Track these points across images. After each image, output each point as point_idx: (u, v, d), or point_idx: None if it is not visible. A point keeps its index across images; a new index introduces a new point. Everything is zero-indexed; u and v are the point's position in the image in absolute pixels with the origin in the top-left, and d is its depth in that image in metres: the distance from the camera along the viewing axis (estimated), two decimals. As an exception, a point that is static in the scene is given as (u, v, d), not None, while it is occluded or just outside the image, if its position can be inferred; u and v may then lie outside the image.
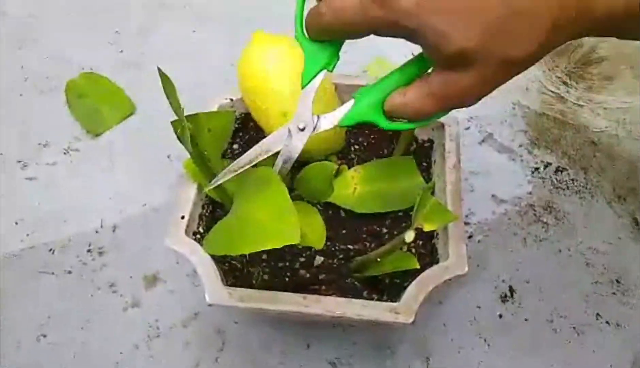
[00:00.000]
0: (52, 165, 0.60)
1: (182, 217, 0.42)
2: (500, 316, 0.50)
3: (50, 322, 0.50)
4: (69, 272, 0.53)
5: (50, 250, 0.54)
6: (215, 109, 0.49)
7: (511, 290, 0.51)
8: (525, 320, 0.50)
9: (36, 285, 0.52)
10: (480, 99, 0.32)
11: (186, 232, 0.42)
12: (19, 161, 0.60)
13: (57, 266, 0.53)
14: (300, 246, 0.45)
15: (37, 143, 0.62)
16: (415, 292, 0.38)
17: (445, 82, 0.31)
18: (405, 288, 0.40)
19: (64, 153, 0.61)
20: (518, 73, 0.31)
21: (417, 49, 0.32)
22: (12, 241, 0.55)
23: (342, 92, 0.50)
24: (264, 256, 0.44)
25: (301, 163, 0.49)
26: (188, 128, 0.35)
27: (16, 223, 0.56)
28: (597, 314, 0.50)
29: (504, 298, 0.51)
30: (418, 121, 0.34)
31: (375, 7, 0.30)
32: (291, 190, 0.47)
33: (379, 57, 0.68)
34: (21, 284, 0.52)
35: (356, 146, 0.51)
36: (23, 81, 0.67)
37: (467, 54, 0.29)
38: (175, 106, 0.34)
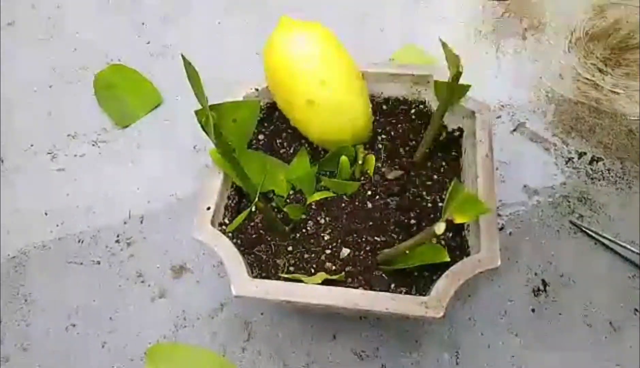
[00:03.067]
0: (80, 156, 0.61)
1: (208, 208, 0.42)
2: (533, 310, 0.49)
3: (79, 312, 0.51)
4: (98, 263, 0.53)
5: (79, 240, 0.55)
6: (240, 98, 0.48)
7: (544, 283, 0.50)
8: (559, 314, 0.48)
9: (65, 275, 0.53)
10: None
11: (212, 223, 0.42)
12: (49, 153, 0.61)
13: (86, 256, 0.54)
14: (326, 238, 0.44)
15: (66, 135, 0.62)
16: (445, 286, 0.37)
17: None
18: (434, 281, 0.39)
19: (93, 145, 0.61)
20: None
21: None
22: (41, 232, 0.55)
23: (370, 81, 0.49)
24: (290, 248, 0.44)
25: (327, 152, 0.48)
26: (212, 118, 0.35)
27: (45, 214, 0.57)
28: (635, 309, 0.48)
29: (536, 292, 0.49)
30: None
31: None
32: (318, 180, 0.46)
33: (407, 44, 0.66)
34: (50, 274, 0.53)
35: (383, 136, 0.50)
36: (52, 73, 0.68)
37: None
38: (199, 95, 0.34)
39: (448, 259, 0.38)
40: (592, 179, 0.56)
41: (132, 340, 0.49)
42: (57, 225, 0.56)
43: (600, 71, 0.63)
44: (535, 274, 0.50)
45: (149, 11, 0.73)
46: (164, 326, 0.50)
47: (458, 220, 0.35)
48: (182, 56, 0.33)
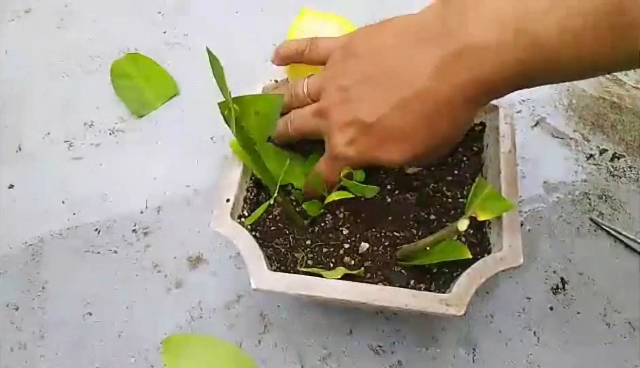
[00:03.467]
0: (97, 145, 0.61)
1: (227, 200, 0.42)
2: (551, 308, 0.48)
3: (96, 301, 0.51)
4: (115, 252, 0.53)
5: (96, 229, 0.55)
6: (259, 90, 0.48)
7: (563, 281, 0.49)
8: (578, 313, 0.48)
9: (82, 264, 0.53)
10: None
11: (231, 215, 0.41)
12: (65, 141, 0.61)
13: (103, 246, 0.54)
14: (345, 232, 0.44)
15: (82, 124, 0.62)
16: (467, 283, 0.36)
17: None
18: (454, 278, 0.39)
19: (109, 134, 0.61)
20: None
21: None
22: (58, 221, 0.56)
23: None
24: (308, 242, 0.44)
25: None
26: (234, 110, 0.34)
27: (62, 203, 0.57)
28: (655, 309, 0.48)
29: (555, 290, 0.49)
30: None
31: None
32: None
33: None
34: (67, 263, 0.53)
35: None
36: (68, 62, 0.68)
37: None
38: (223, 88, 0.34)
39: (470, 256, 0.37)
40: (613, 176, 0.55)
41: (148, 330, 0.49)
42: (74, 214, 0.56)
43: (622, 66, 0.62)
44: (554, 272, 0.50)
45: (166, 0, 0.73)
46: (180, 316, 0.50)
47: (481, 217, 0.34)
48: (207, 48, 0.32)
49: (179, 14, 0.72)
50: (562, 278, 0.49)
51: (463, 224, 0.34)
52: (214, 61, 0.33)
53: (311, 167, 0.46)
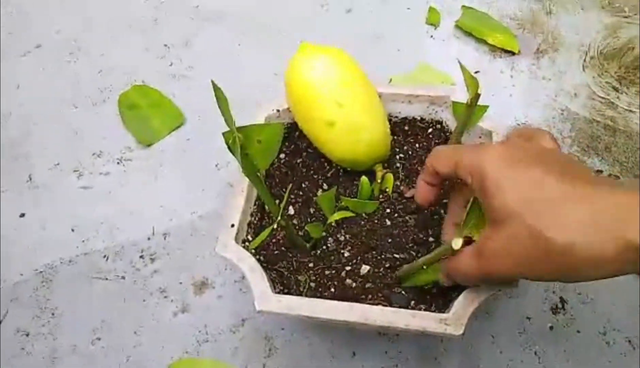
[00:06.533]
0: (105, 174, 0.62)
1: (232, 225, 0.43)
2: (551, 327, 0.49)
3: (104, 326, 0.52)
4: (122, 278, 0.55)
5: (104, 256, 0.56)
6: (262, 119, 0.50)
7: (562, 301, 0.50)
8: (578, 332, 0.49)
9: (90, 290, 0.54)
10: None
11: (236, 240, 0.43)
12: (75, 171, 0.63)
13: (111, 272, 0.55)
14: (346, 255, 0.45)
15: (91, 153, 0.64)
16: (465, 303, 0.37)
17: (491, 243, 0.32)
18: (453, 298, 0.40)
19: (117, 163, 0.63)
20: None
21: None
22: (67, 248, 0.57)
23: (387, 102, 0.50)
24: (311, 265, 0.45)
25: (347, 171, 0.50)
26: (239, 139, 0.36)
27: (72, 230, 0.58)
28: (654, 327, 0.48)
29: (554, 310, 0.50)
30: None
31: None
32: (337, 199, 0.47)
33: (422, 63, 0.68)
34: (76, 289, 0.54)
35: (401, 155, 0.51)
36: (77, 94, 0.70)
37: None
38: (227, 118, 0.35)
39: (466, 276, 0.38)
40: (608, 197, 0.56)
41: (155, 354, 0.50)
42: (83, 241, 0.57)
43: (615, 89, 0.64)
44: (554, 292, 0.51)
45: (172, 34, 0.76)
46: (186, 341, 0.51)
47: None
48: (212, 81, 0.34)
49: (184, 47, 0.74)
50: (561, 298, 0.50)
51: (457, 243, 0.35)
52: (218, 93, 0.34)
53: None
